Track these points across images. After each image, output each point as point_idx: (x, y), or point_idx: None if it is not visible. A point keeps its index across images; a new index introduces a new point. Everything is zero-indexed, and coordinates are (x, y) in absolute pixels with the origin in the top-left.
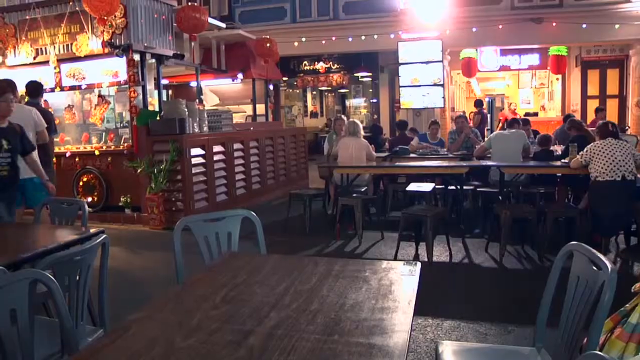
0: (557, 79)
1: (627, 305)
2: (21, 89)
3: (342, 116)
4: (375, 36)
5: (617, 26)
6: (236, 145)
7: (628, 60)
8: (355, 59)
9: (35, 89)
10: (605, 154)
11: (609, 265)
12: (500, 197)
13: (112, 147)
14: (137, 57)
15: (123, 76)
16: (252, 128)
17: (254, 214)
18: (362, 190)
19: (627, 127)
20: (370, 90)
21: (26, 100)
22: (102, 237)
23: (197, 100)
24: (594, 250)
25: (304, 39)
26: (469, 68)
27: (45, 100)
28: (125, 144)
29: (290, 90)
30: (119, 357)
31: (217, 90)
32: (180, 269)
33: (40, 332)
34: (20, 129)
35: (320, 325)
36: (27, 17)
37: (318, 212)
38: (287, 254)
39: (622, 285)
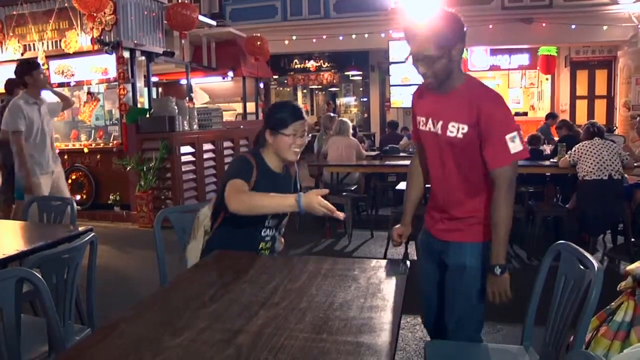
0: (547, 79)
1: (612, 303)
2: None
3: (333, 114)
4: (366, 35)
5: (605, 27)
6: (226, 144)
7: (616, 62)
8: (346, 57)
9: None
10: (592, 153)
11: (596, 264)
12: None
13: (102, 144)
14: (126, 54)
15: (112, 73)
16: (242, 126)
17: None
18: (352, 188)
19: (614, 128)
20: (361, 89)
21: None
22: (90, 235)
23: (187, 98)
24: (581, 250)
25: (294, 37)
26: None
27: None
28: (115, 142)
29: (281, 89)
30: (106, 356)
31: (207, 88)
32: (162, 260)
33: (27, 331)
34: None
35: (309, 324)
36: (15, 13)
37: None
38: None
39: (608, 283)
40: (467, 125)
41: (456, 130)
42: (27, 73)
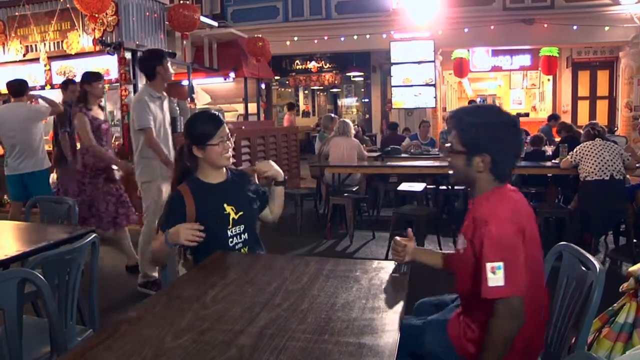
0: (548, 79)
1: (614, 304)
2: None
3: (334, 115)
4: (368, 36)
5: (606, 28)
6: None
7: (618, 62)
8: (347, 58)
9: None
10: (594, 154)
11: (598, 266)
12: None
13: None
14: (128, 55)
15: (114, 74)
16: (244, 127)
17: None
18: (354, 189)
19: (615, 129)
20: (362, 89)
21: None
22: (92, 236)
23: (189, 99)
24: (583, 251)
25: (296, 38)
26: (460, 68)
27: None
28: (117, 143)
29: (282, 90)
30: (109, 357)
31: (208, 89)
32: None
33: (29, 332)
34: None
35: (311, 325)
36: (17, 14)
37: (309, 212)
38: (278, 254)
39: (610, 285)
40: (468, 240)
41: (461, 243)
42: (160, 63)
